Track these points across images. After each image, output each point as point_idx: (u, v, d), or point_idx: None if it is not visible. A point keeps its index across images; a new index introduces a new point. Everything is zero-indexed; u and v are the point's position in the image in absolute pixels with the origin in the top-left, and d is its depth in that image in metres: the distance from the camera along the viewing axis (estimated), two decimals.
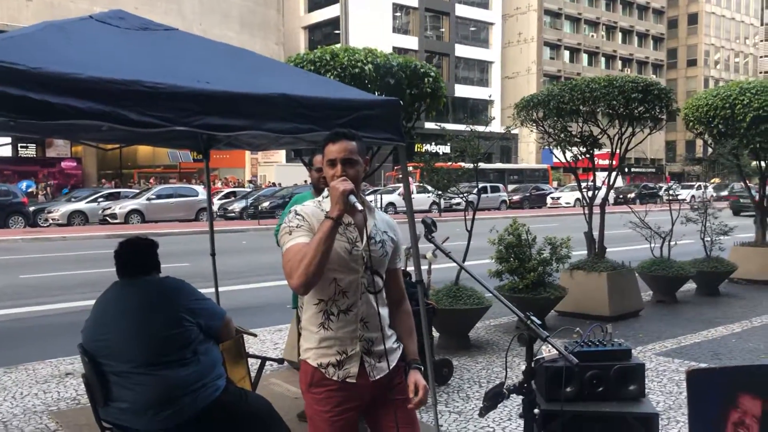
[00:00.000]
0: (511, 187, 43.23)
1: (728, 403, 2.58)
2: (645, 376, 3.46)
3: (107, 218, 26.71)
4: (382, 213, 2.72)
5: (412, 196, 4.52)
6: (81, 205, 27.65)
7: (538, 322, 2.35)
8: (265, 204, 29.08)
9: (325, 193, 2.58)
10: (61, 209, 27.06)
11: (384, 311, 2.57)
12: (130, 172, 43.33)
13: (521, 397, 2.49)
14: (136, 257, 3.38)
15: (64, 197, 30.41)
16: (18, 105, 2.42)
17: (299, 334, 2.79)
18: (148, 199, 28.06)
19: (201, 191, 29.85)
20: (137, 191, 30.53)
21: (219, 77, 3.09)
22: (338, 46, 6.84)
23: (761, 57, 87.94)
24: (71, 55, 2.77)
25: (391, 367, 2.53)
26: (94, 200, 28.13)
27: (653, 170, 68.63)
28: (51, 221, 26.31)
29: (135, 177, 41.51)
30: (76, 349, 3.36)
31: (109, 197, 28.80)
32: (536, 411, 2.57)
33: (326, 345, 2.47)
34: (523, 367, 2.52)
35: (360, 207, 2.37)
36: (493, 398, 2.42)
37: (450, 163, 7.77)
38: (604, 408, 3.30)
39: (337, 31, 50.72)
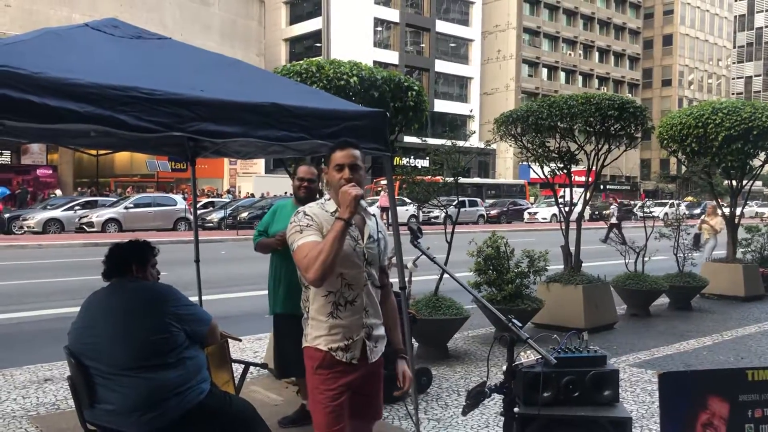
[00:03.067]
0: (488, 201, 43.53)
1: (698, 405, 2.71)
2: (619, 382, 3.57)
3: (84, 226, 26.39)
4: (373, 216, 2.97)
5: (396, 211, 4.62)
6: (57, 213, 27.30)
7: (519, 324, 2.45)
8: (244, 215, 28.98)
9: (326, 196, 2.89)
10: (37, 217, 26.70)
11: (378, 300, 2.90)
12: (106, 180, 42.88)
13: (502, 396, 2.58)
14: (129, 255, 3.42)
15: (40, 204, 30.04)
16: (18, 108, 2.49)
17: None
18: (126, 207, 27.81)
19: (179, 200, 29.69)
20: (114, 200, 30.23)
21: (212, 86, 3.18)
22: (322, 58, 6.95)
23: (734, 78, 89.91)
24: (70, 61, 2.84)
25: (380, 354, 2.90)
26: (71, 208, 27.80)
27: (628, 187, 69.58)
28: (26, 229, 25.96)
29: (112, 185, 41.08)
30: (54, 355, 3.40)
31: (86, 205, 28.47)
32: (516, 410, 2.66)
33: (335, 332, 2.78)
34: (503, 371, 2.62)
35: (372, 211, 2.74)
36: (476, 397, 2.52)
37: (429, 177, 7.90)
38: (580, 412, 3.39)
39: (318, 44, 50.94)
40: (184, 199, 29.51)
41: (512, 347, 2.54)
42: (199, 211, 30.39)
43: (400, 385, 2.88)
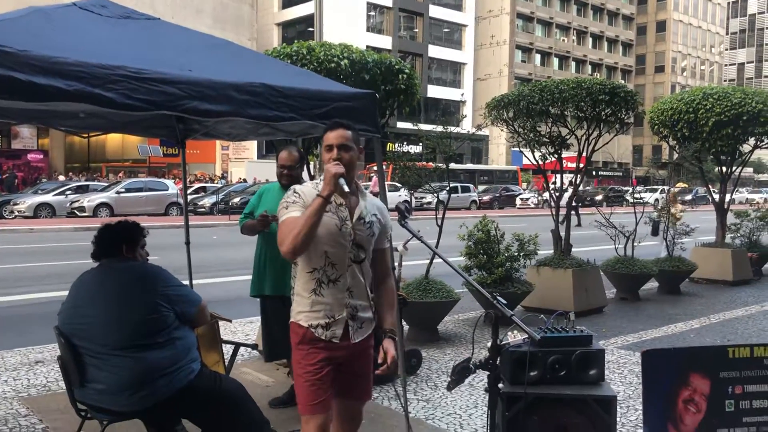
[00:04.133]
0: (481, 187, 43.61)
1: (680, 382, 2.76)
2: (605, 361, 3.62)
3: (75, 211, 26.27)
4: (373, 197, 3.01)
5: (386, 195, 4.63)
6: (48, 198, 27.18)
7: (504, 302, 2.48)
8: (236, 200, 28.92)
9: (323, 176, 2.88)
10: (28, 201, 26.59)
11: (367, 282, 2.90)
12: (98, 165, 42.67)
13: (487, 372, 2.62)
14: (119, 236, 3.43)
15: (32, 189, 29.89)
16: (4, 85, 2.48)
17: None
18: (118, 192, 27.67)
19: (171, 185, 29.56)
20: (105, 184, 30.06)
21: (201, 65, 3.18)
22: (314, 41, 6.93)
23: (726, 65, 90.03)
24: (57, 39, 2.83)
25: (366, 335, 2.91)
26: (62, 193, 27.69)
27: (620, 174, 69.79)
28: (17, 213, 25.85)
29: (103, 171, 40.89)
30: (45, 338, 3.42)
31: (78, 190, 28.35)
32: (501, 386, 2.70)
33: (317, 309, 2.82)
34: (488, 347, 2.66)
35: (347, 189, 2.71)
36: (461, 373, 2.55)
37: (421, 163, 7.92)
38: (566, 391, 3.44)
39: (311, 29, 50.53)
40: (176, 184, 29.43)
41: (497, 324, 2.58)
42: (191, 197, 30.35)
43: (380, 361, 2.87)
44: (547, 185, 9.50)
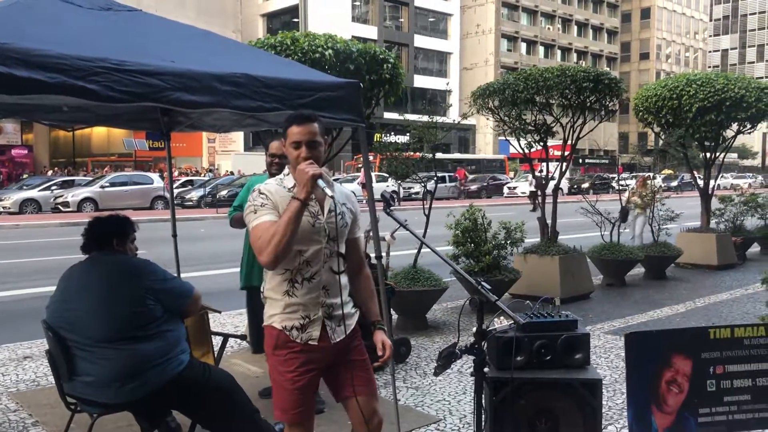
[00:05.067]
0: (469, 176, 43.67)
1: (662, 364, 2.80)
2: (590, 345, 3.66)
3: (59, 206, 26.02)
4: (339, 185, 2.85)
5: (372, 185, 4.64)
6: (33, 193, 27.00)
7: (488, 287, 2.51)
8: (223, 192, 28.82)
9: (286, 171, 2.72)
10: (13, 197, 26.38)
11: (344, 278, 2.74)
12: (83, 160, 42.33)
13: (473, 357, 2.65)
14: (110, 229, 3.43)
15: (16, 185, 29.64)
16: None
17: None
18: (102, 186, 27.44)
19: (156, 179, 29.36)
20: (91, 179, 29.80)
21: (183, 57, 3.17)
22: (299, 32, 6.92)
23: (710, 52, 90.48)
24: (39, 32, 2.81)
25: (348, 332, 2.73)
26: (47, 188, 27.46)
27: (606, 161, 70.11)
28: (2, 209, 25.64)
29: (89, 165, 40.58)
30: (33, 333, 3.41)
31: (63, 185, 28.11)
32: (486, 370, 2.73)
33: (291, 310, 2.65)
34: (474, 332, 2.69)
35: (330, 193, 2.54)
36: (447, 358, 2.58)
37: (407, 153, 7.93)
38: (552, 375, 3.49)
39: (295, 19, 50.33)
40: (162, 178, 29.22)
41: (482, 309, 2.61)
42: (178, 190, 30.17)
43: (380, 353, 2.72)
44: (533, 173, 9.54)
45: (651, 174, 11.95)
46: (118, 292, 3.25)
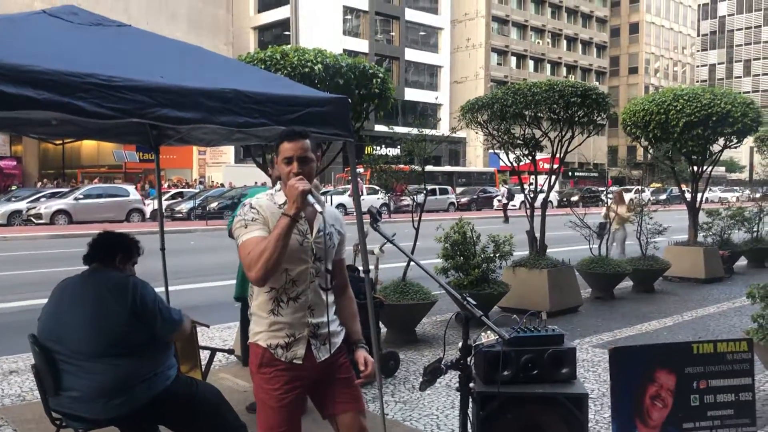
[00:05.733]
0: (459, 189, 43.79)
1: (646, 378, 2.82)
2: (576, 359, 3.68)
3: (32, 218, 25.43)
4: (329, 206, 2.86)
5: (363, 197, 4.66)
6: (22, 205, 26.69)
7: (473, 302, 2.53)
8: (213, 205, 28.72)
9: (277, 186, 2.72)
10: (1, 209, 26.14)
11: (331, 296, 2.76)
12: (73, 171, 42.12)
13: (458, 372, 2.66)
14: (117, 244, 3.44)
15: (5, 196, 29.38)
16: None
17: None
18: (76, 198, 26.67)
19: (132, 191, 28.76)
20: (67, 191, 29.00)
21: (172, 72, 3.18)
22: (289, 46, 6.95)
23: (698, 66, 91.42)
24: (26, 48, 2.83)
25: (333, 350, 2.73)
26: (36, 200, 27.22)
27: (596, 174, 70.52)
28: None
29: (78, 177, 40.37)
30: (19, 347, 3.38)
31: (52, 197, 27.85)
32: (472, 385, 2.74)
33: (276, 329, 2.64)
34: (459, 347, 2.70)
35: (319, 208, 2.54)
36: (432, 373, 2.59)
37: (397, 166, 7.97)
38: (539, 389, 3.51)
39: (287, 33, 50.53)
40: (144, 189, 28.79)
41: (467, 324, 2.62)
42: (168, 202, 30.03)
43: (362, 369, 2.73)
44: (521, 187, 9.59)
45: (632, 187, 12.10)
46: (109, 308, 3.23)
